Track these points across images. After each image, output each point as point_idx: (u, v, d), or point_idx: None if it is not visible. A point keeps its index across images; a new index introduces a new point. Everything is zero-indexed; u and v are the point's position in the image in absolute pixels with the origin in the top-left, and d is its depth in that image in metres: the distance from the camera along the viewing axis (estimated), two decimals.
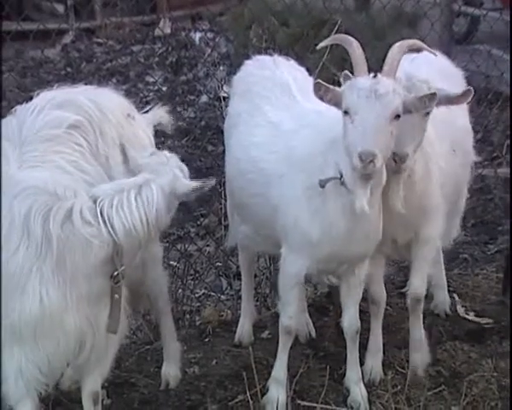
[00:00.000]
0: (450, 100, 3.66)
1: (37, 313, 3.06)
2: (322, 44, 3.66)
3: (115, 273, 3.17)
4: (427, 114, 3.56)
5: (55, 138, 3.38)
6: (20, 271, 3.04)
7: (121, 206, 3.14)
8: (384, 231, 3.79)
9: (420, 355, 4.19)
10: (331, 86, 3.43)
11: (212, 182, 3.34)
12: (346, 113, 3.35)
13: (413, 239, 4.00)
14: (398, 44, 3.50)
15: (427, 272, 4.11)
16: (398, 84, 3.41)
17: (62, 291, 3.07)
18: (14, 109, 3.52)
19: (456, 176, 4.16)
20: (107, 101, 3.65)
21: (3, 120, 3.45)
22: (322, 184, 3.51)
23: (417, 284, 4.08)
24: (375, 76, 3.36)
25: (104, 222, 3.11)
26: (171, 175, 3.28)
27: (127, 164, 3.48)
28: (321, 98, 3.44)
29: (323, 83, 3.42)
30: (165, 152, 3.46)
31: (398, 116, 3.34)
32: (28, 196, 3.10)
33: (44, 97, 3.52)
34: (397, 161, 3.49)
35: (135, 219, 3.15)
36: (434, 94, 3.40)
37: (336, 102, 3.41)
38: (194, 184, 3.31)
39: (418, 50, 3.72)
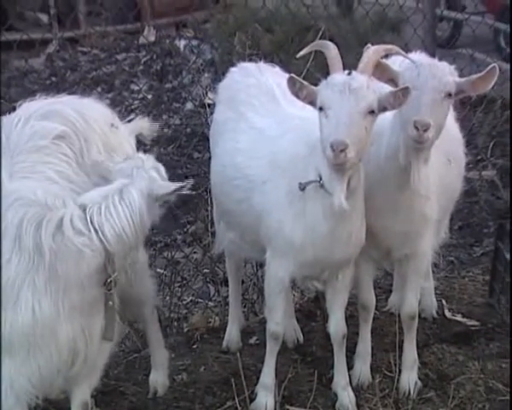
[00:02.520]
0: (474, 84, 3.55)
1: (30, 325, 3.05)
2: (301, 53, 3.65)
3: (108, 280, 3.17)
4: (449, 95, 3.49)
5: (43, 149, 3.38)
6: (13, 282, 3.03)
7: (109, 212, 3.14)
8: (379, 241, 3.81)
9: (412, 376, 4.15)
10: (305, 82, 3.42)
11: (190, 182, 3.31)
12: (320, 109, 3.35)
13: (409, 255, 3.95)
14: (374, 47, 3.51)
15: (420, 287, 4.11)
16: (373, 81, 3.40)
17: (55, 302, 3.07)
18: None
19: (452, 184, 4.15)
20: (92, 111, 3.66)
21: None
22: (302, 188, 3.52)
23: (412, 302, 4.06)
24: (349, 73, 3.36)
25: (95, 230, 3.11)
26: (147, 178, 3.28)
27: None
28: (296, 95, 3.44)
29: (297, 78, 3.42)
30: (140, 154, 3.45)
31: (372, 112, 3.33)
32: (20, 206, 3.09)
33: (28, 108, 3.52)
34: (418, 128, 3.39)
35: (123, 223, 3.16)
36: (407, 88, 3.35)
37: (312, 101, 3.41)
38: (172, 185, 3.29)
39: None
